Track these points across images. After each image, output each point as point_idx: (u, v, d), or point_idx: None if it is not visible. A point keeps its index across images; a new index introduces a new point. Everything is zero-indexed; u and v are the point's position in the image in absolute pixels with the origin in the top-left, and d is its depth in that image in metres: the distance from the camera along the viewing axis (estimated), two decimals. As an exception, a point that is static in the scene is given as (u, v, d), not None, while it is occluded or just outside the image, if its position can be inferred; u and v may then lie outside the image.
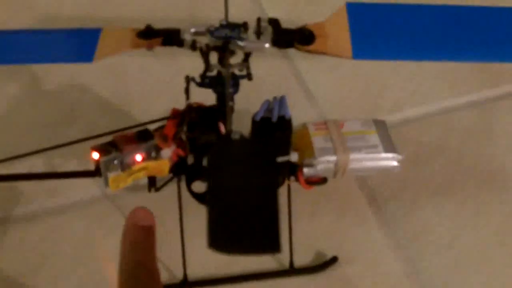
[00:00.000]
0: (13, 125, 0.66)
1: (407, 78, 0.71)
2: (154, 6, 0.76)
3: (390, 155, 0.52)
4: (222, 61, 0.47)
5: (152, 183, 0.55)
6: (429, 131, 0.67)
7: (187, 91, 0.49)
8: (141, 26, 0.47)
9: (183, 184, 0.53)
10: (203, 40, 0.46)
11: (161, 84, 0.69)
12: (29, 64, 0.67)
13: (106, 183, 0.52)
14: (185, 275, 0.56)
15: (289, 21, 0.47)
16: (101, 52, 0.45)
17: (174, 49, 0.47)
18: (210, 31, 0.46)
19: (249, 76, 0.48)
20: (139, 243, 0.39)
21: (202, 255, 0.51)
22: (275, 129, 0.50)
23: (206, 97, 0.50)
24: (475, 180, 0.64)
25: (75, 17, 0.74)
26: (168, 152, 0.52)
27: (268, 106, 0.50)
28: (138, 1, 0.76)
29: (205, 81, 0.48)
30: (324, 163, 0.51)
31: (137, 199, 0.59)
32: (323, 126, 0.53)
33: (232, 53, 0.46)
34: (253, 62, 0.48)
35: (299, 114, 0.52)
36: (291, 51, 0.47)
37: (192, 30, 0.46)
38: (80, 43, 0.47)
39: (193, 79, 0.48)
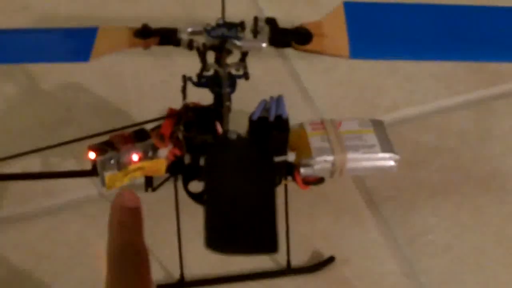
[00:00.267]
0: (9, 124, 0.66)
1: (404, 78, 0.71)
2: (151, 5, 0.76)
3: (387, 155, 0.52)
4: (219, 60, 0.47)
5: (149, 183, 0.55)
6: (426, 131, 0.67)
7: (184, 90, 0.49)
8: (138, 25, 0.47)
9: (180, 184, 0.53)
10: (200, 40, 0.46)
11: (157, 84, 0.69)
12: (25, 64, 0.67)
13: (103, 182, 0.52)
14: (181, 274, 0.56)
15: (286, 20, 0.47)
16: (98, 51, 0.45)
17: (170, 49, 0.47)
18: (207, 31, 0.46)
19: (246, 76, 0.48)
20: (126, 224, 0.39)
21: (199, 255, 0.51)
22: (272, 128, 0.50)
23: (203, 96, 0.49)
24: (472, 181, 0.64)
25: (71, 16, 0.74)
26: (164, 152, 0.52)
27: (265, 106, 0.50)
28: (135, 1, 0.76)
29: (202, 81, 0.48)
30: (321, 163, 0.51)
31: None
32: (320, 126, 0.53)
33: (229, 52, 0.46)
34: (249, 61, 0.48)
35: (295, 113, 0.51)
36: (288, 51, 0.47)
37: (189, 29, 0.46)
38: (76, 42, 0.47)
39: (190, 79, 0.48)
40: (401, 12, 0.47)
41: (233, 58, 0.47)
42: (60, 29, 0.49)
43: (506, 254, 0.59)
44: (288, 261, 0.57)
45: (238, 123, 0.50)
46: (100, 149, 0.51)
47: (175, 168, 0.53)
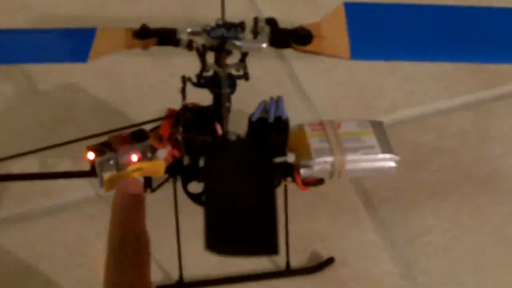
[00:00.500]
0: (8, 124, 0.66)
1: (403, 79, 0.71)
2: (150, 5, 0.75)
3: (387, 155, 0.52)
4: (218, 61, 0.46)
5: (148, 184, 0.55)
6: (426, 131, 0.67)
7: (183, 91, 0.49)
8: (137, 25, 0.47)
9: (179, 185, 0.53)
10: (200, 40, 0.46)
11: (156, 84, 0.69)
12: (24, 64, 0.67)
13: (102, 183, 0.52)
14: (181, 275, 0.56)
15: (284, 20, 0.47)
16: (96, 52, 0.45)
17: (170, 49, 0.46)
18: (207, 31, 0.46)
19: (246, 76, 0.48)
20: (128, 209, 0.40)
21: (198, 256, 0.51)
22: (271, 129, 0.49)
23: (202, 97, 0.49)
24: (472, 181, 0.64)
25: (71, 16, 0.74)
26: (163, 153, 0.52)
27: (265, 107, 0.50)
28: (134, 0, 0.76)
29: (201, 81, 0.48)
30: (320, 164, 0.51)
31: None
32: (320, 127, 0.53)
33: (229, 53, 0.46)
34: (248, 62, 0.47)
35: (294, 114, 0.51)
36: (286, 51, 0.47)
37: (188, 30, 0.46)
38: (74, 43, 0.47)
39: (189, 79, 0.48)
40: (402, 12, 0.47)
41: (233, 59, 0.47)
42: (58, 29, 0.49)
43: (506, 254, 0.59)
44: (288, 263, 0.56)
45: (236, 124, 0.50)
46: (99, 149, 0.51)
47: (174, 169, 0.53)
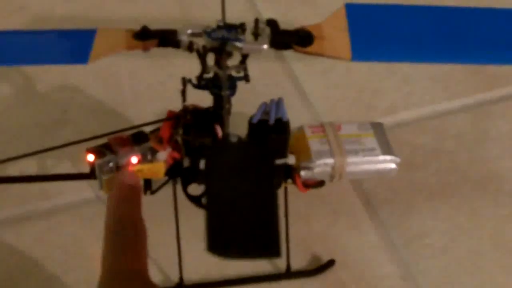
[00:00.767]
0: (5, 125, 0.66)
1: (401, 80, 0.71)
2: (149, 6, 0.75)
3: (388, 157, 0.52)
4: (219, 62, 0.46)
5: (148, 186, 0.55)
6: (423, 133, 0.67)
7: (183, 93, 0.49)
8: (136, 26, 0.47)
9: (179, 187, 0.53)
10: (200, 42, 0.46)
11: (154, 85, 0.69)
12: (23, 66, 0.67)
13: (101, 185, 0.51)
14: (181, 278, 0.56)
15: (284, 22, 0.47)
16: (96, 53, 0.44)
17: (168, 50, 0.46)
18: (207, 32, 0.45)
19: (246, 78, 0.47)
20: (125, 198, 0.41)
21: (198, 258, 0.51)
22: (272, 131, 0.49)
23: (203, 99, 0.49)
24: (469, 183, 0.64)
25: (69, 17, 0.74)
26: (163, 155, 0.52)
27: (265, 109, 0.50)
28: (133, 2, 0.76)
29: (201, 83, 0.48)
30: (321, 166, 0.51)
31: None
32: (320, 129, 0.53)
33: (229, 54, 0.46)
34: (247, 64, 0.47)
35: (293, 115, 0.51)
36: (286, 53, 0.46)
37: (189, 31, 0.46)
38: (74, 44, 0.46)
39: (189, 81, 0.48)
40: (403, 14, 0.46)
41: (233, 60, 0.47)
42: (58, 31, 0.49)
43: (503, 256, 0.59)
44: (288, 265, 0.56)
45: (236, 125, 0.50)
46: (99, 151, 0.50)
47: (174, 171, 0.52)
